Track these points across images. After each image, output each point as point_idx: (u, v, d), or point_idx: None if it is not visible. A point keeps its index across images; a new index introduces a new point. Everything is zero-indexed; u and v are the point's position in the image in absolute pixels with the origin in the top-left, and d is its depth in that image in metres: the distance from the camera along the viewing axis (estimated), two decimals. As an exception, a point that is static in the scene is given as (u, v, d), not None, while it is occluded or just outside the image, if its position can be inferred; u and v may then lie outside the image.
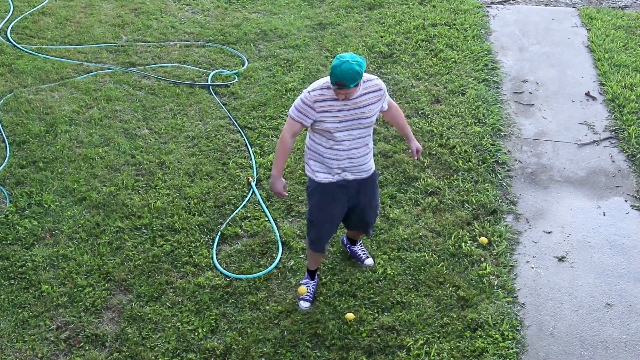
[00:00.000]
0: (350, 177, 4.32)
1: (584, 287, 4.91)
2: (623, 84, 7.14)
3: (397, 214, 5.48)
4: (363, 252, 5.06)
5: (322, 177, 4.30)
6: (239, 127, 6.55)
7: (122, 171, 5.99)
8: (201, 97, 7.04)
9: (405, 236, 5.28)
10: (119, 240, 5.28)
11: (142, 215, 5.49)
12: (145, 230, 5.37)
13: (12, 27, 8.31)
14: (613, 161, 6.16)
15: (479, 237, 5.25)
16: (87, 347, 4.48)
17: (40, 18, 8.57)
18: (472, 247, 5.18)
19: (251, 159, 6.14)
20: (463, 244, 5.21)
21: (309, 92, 4.08)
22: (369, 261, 5.01)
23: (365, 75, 4.18)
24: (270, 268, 5.02)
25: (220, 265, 5.07)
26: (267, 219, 5.46)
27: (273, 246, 5.22)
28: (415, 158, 4.63)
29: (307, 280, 4.81)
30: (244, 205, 5.61)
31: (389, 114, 4.51)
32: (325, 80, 4.10)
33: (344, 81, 3.90)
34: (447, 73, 7.39)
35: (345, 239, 5.11)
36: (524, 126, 6.65)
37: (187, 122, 6.65)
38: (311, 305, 4.72)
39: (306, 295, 4.73)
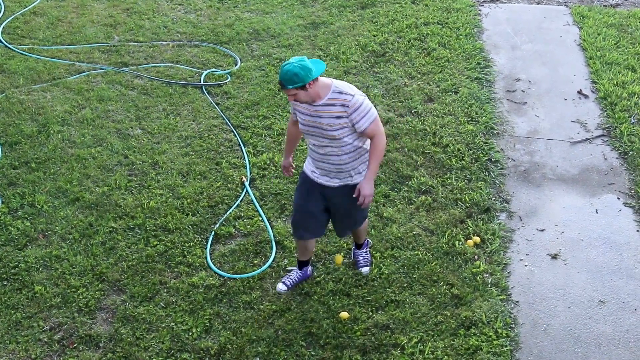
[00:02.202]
0: (322, 181, 4.34)
1: (577, 285, 4.93)
2: (615, 82, 7.16)
3: (390, 213, 5.48)
4: (364, 258, 4.98)
5: (305, 167, 4.45)
6: (232, 127, 6.55)
7: (115, 171, 5.97)
8: (194, 96, 7.03)
9: (399, 235, 5.29)
10: (113, 240, 5.26)
11: (136, 216, 5.48)
12: (138, 231, 5.36)
13: (3, 28, 8.28)
14: (605, 159, 6.18)
15: (466, 241, 5.24)
16: (80, 348, 4.47)
17: (31, 18, 8.54)
18: (466, 246, 5.19)
19: (244, 158, 6.13)
20: (457, 242, 5.22)
21: None
22: (365, 269, 4.93)
23: (341, 87, 4.02)
24: (264, 267, 5.02)
25: (214, 265, 5.06)
26: (260, 219, 5.45)
27: (267, 245, 5.22)
28: (356, 196, 4.21)
29: (295, 270, 4.87)
30: (238, 205, 5.60)
31: (370, 142, 4.20)
32: None
33: (283, 81, 3.91)
34: (440, 72, 7.40)
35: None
36: (517, 124, 6.67)
37: (180, 122, 6.64)
38: (287, 290, 4.79)
39: (287, 280, 4.83)
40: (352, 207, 4.40)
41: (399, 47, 7.88)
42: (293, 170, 4.65)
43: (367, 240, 5.05)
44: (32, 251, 5.16)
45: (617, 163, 6.12)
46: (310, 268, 4.90)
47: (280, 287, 4.80)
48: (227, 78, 7.33)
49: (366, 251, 5.01)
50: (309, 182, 4.40)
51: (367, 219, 4.75)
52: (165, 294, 4.84)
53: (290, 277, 4.85)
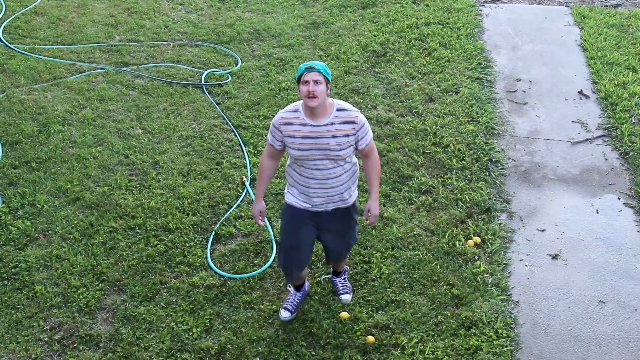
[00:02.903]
0: (319, 208, 4.16)
1: (577, 285, 4.93)
2: (615, 82, 7.16)
3: (391, 213, 5.48)
4: (343, 286, 4.77)
5: (292, 200, 4.20)
6: (232, 127, 6.55)
7: (115, 171, 5.97)
8: (195, 96, 7.03)
9: (400, 235, 5.29)
10: (113, 240, 5.27)
11: (136, 215, 5.48)
12: (139, 230, 5.36)
13: (4, 27, 8.28)
14: (606, 159, 6.18)
15: (467, 241, 5.24)
16: (81, 348, 4.47)
17: (32, 18, 8.54)
18: (466, 246, 5.19)
19: (245, 158, 6.13)
20: (457, 242, 5.22)
21: (278, 113, 4.03)
22: (346, 297, 4.73)
23: (344, 105, 3.99)
24: (264, 267, 5.01)
25: (215, 265, 5.06)
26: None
27: (267, 245, 5.22)
28: (365, 219, 4.23)
29: (293, 292, 4.65)
30: (238, 205, 5.60)
31: (364, 161, 4.17)
32: (295, 103, 4.03)
33: (314, 64, 3.85)
34: (441, 72, 7.40)
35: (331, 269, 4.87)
36: (518, 124, 6.67)
37: (180, 121, 6.64)
38: (292, 315, 4.58)
39: (289, 305, 4.59)
40: (346, 228, 4.34)
41: (399, 47, 7.87)
42: (266, 218, 4.33)
43: (345, 268, 4.86)
44: (32, 251, 5.16)
45: (618, 163, 6.12)
46: (307, 284, 4.73)
47: (284, 314, 4.57)
48: (228, 78, 7.33)
49: (344, 278, 4.81)
50: (299, 216, 4.20)
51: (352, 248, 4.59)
52: (165, 294, 4.84)
53: (292, 301, 4.62)
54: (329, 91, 3.90)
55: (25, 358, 4.41)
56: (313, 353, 4.42)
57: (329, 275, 4.88)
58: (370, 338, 4.48)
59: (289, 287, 4.71)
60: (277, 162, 4.25)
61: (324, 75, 3.85)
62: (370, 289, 4.85)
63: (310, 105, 3.85)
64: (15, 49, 7.82)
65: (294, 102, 4.13)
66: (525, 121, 6.72)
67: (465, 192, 5.71)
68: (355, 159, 4.16)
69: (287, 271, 4.39)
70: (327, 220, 4.23)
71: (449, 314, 4.66)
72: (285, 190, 4.27)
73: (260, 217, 4.29)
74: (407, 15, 8.59)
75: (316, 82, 3.82)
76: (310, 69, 3.84)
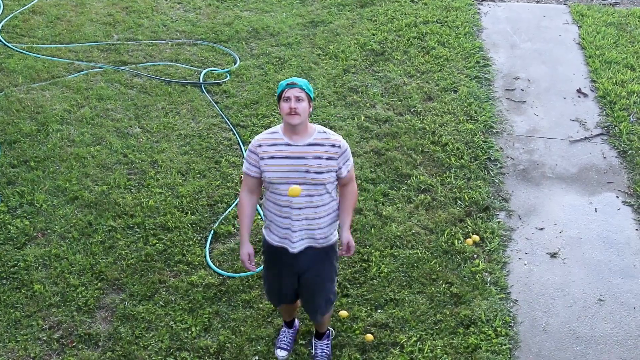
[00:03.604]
0: (297, 247, 3.85)
1: (576, 283, 4.94)
2: (614, 81, 7.17)
3: (389, 212, 5.49)
4: (322, 351, 4.39)
5: (271, 239, 3.93)
6: (231, 126, 6.55)
7: (114, 170, 5.97)
8: (193, 95, 7.03)
9: (398, 233, 5.29)
10: (112, 239, 5.26)
11: (135, 214, 5.48)
12: (137, 229, 5.36)
13: (2, 26, 8.27)
14: (604, 157, 6.19)
15: (465, 240, 5.24)
16: (80, 347, 4.47)
17: (30, 17, 8.53)
18: (465, 244, 5.19)
19: (244, 157, 6.13)
20: (456, 241, 5.22)
21: (255, 137, 3.80)
22: None
23: (325, 129, 3.80)
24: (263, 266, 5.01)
25: (214, 264, 5.06)
26: (259, 217, 5.45)
27: (266, 244, 5.22)
28: (344, 253, 3.89)
29: (284, 329, 4.49)
30: (237, 204, 5.60)
31: (342, 190, 3.90)
32: (274, 127, 3.82)
33: (295, 80, 3.67)
34: (439, 70, 7.40)
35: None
36: (516, 123, 6.67)
37: (179, 120, 6.64)
38: (288, 353, 4.39)
39: (283, 344, 4.42)
40: (326, 273, 4.03)
41: (398, 46, 7.87)
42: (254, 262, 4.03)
43: (330, 331, 4.48)
44: (31, 250, 5.16)
45: (616, 162, 6.13)
46: (297, 322, 4.55)
47: (281, 353, 4.39)
48: (226, 77, 7.33)
49: (327, 343, 4.42)
50: (280, 253, 3.91)
51: (333, 305, 4.23)
52: (164, 293, 4.84)
53: (285, 339, 4.44)
54: (310, 109, 3.71)
55: (24, 357, 4.41)
56: (312, 352, 4.41)
57: (313, 335, 4.51)
58: (369, 336, 4.49)
59: (283, 325, 4.54)
60: (258, 197, 3.95)
61: (306, 92, 3.66)
62: (369, 287, 4.86)
63: (291, 122, 3.63)
64: (13, 48, 7.81)
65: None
66: (524, 120, 6.73)
67: (464, 191, 5.72)
68: (335, 195, 3.89)
69: (271, 298, 4.25)
70: (305, 261, 3.91)
71: (447, 313, 4.67)
72: (264, 227, 4.01)
73: (250, 262, 3.94)
74: (405, 14, 8.58)
75: (298, 98, 3.62)
76: (291, 85, 3.64)
